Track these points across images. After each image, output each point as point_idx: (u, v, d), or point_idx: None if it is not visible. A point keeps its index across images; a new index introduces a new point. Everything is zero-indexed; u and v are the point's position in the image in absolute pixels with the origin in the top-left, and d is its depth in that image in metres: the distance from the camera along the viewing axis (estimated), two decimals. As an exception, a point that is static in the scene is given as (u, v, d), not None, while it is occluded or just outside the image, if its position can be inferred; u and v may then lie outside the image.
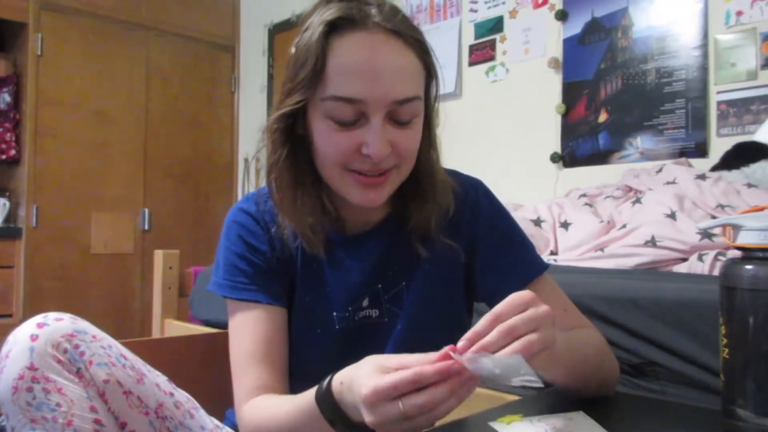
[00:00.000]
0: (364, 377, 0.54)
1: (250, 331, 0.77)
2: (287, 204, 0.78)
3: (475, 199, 0.85)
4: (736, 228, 0.64)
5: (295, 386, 0.77)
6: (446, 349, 0.53)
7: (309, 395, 0.63)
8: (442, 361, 0.52)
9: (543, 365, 0.58)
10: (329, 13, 0.70)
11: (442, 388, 0.52)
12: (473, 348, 0.53)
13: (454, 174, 0.86)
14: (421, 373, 0.51)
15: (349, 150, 0.71)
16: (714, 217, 1.51)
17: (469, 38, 2.85)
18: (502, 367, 0.51)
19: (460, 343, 0.54)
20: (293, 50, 0.74)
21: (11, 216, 3.34)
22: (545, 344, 0.54)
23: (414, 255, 0.82)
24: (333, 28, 0.70)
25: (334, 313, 0.80)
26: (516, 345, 0.53)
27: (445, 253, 0.82)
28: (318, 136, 0.73)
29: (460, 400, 0.53)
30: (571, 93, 2.50)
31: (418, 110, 0.74)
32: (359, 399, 0.53)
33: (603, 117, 2.40)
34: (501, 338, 0.53)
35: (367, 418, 0.53)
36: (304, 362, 0.80)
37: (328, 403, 0.59)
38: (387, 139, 0.70)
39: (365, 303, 0.81)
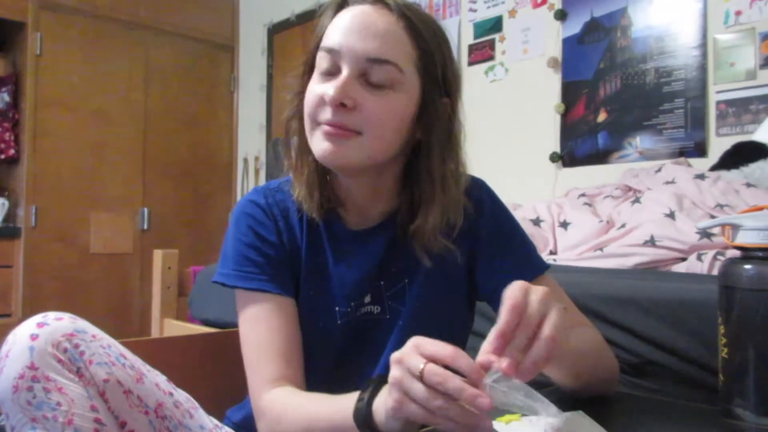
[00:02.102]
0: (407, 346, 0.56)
1: (263, 322, 0.77)
2: (299, 167, 0.81)
3: (477, 198, 0.85)
4: (735, 227, 0.65)
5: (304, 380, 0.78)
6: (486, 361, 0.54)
7: (341, 401, 0.63)
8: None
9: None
10: None
11: (461, 383, 0.52)
12: (504, 367, 0.53)
13: None
14: (458, 352, 0.53)
15: (318, 99, 0.74)
16: (713, 217, 1.51)
17: (468, 38, 2.85)
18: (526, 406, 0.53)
19: (490, 346, 0.54)
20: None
21: (10, 216, 3.34)
22: (560, 323, 0.55)
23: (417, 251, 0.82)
24: (342, 5, 0.77)
25: (337, 308, 0.81)
26: (541, 350, 0.53)
27: (448, 252, 0.82)
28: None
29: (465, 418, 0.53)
30: (570, 93, 2.50)
31: (394, 79, 0.74)
32: (394, 357, 0.55)
33: (602, 117, 2.41)
34: (525, 339, 0.54)
35: (392, 373, 0.55)
36: (307, 356, 0.80)
37: (363, 414, 0.60)
38: (350, 94, 0.72)
39: (367, 299, 0.82)
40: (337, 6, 0.77)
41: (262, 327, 0.77)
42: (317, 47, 0.77)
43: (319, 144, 0.74)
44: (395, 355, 0.56)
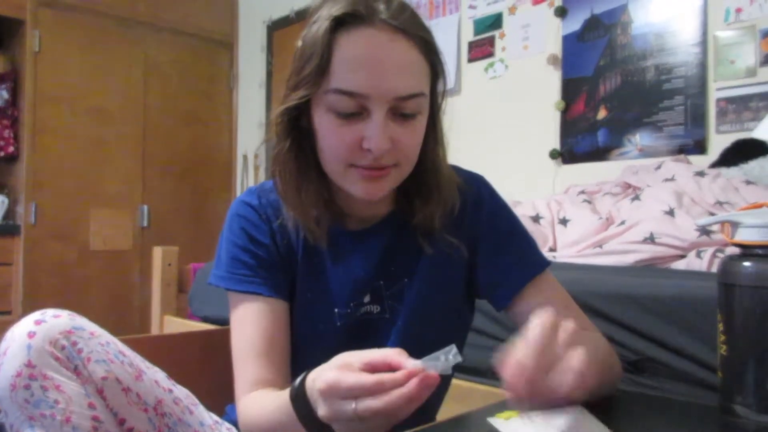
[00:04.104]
0: (326, 371, 0.54)
1: (251, 325, 0.77)
2: (291, 195, 0.78)
3: (477, 195, 0.85)
4: (735, 225, 0.64)
5: (291, 382, 0.77)
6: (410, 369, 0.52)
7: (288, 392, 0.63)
8: (404, 371, 0.51)
9: None
10: (337, 8, 0.70)
11: (400, 394, 0.50)
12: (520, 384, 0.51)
13: (456, 169, 0.85)
14: (381, 382, 0.51)
15: (351, 144, 0.71)
16: (712, 214, 1.51)
17: (468, 34, 2.85)
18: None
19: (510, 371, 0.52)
20: (300, 43, 0.74)
21: (10, 213, 3.34)
22: (588, 358, 0.53)
23: (416, 251, 0.82)
24: (340, 23, 0.70)
25: (336, 310, 0.80)
26: (569, 377, 0.52)
27: (448, 249, 0.82)
28: (321, 129, 0.73)
29: (420, 401, 0.52)
30: (570, 90, 2.50)
31: (422, 107, 0.73)
32: (317, 392, 0.55)
33: (602, 114, 2.40)
34: (545, 366, 0.52)
35: (321, 411, 0.55)
36: (306, 358, 0.80)
37: (300, 399, 0.59)
38: (388, 135, 0.70)
39: (366, 299, 0.81)
40: (336, 21, 0.70)
41: (249, 329, 0.77)
42: (321, 65, 0.70)
43: (356, 185, 0.73)
44: (323, 413, 0.54)
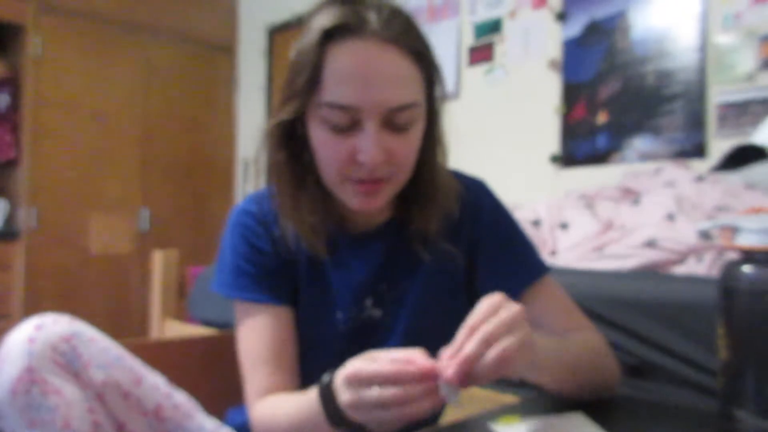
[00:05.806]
0: (352, 363, 0.58)
1: (257, 332, 0.77)
2: (288, 207, 0.78)
3: (476, 201, 0.85)
4: (735, 230, 0.64)
5: (299, 387, 0.78)
6: (431, 362, 0.56)
7: (312, 392, 0.64)
8: (424, 365, 0.55)
9: (527, 367, 0.60)
10: (327, 19, 0.70)
11: (419, 387, 0.54)
12: (455, 362, 0.54)
13: (457, 175, 0.85)
14: (403, 372, 0.55)
15: (345, 157, 0.70)
16: (713, 219, 1.51)
17: (468, 39, 2.85)
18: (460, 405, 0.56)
19: (445, 363, 0.55)
20: (293, 54, 0.74)
21: (10, 218, 3.34)
22: (521, 344, 0.56)
23: (417, 255, 0.82)
24: (329, 35, 0.69)
25: (339, 314, 0.81)
26: (493, 354, 0.54)
27: (446, 255, 0.82)
28: (316, 141, 0.73)
29: (433, 404, 0.55)
30: (570, 94, 2.50)
31: (415, 116, 0.72)
32: (341, 379, 0.57)
33: (602, 118, 2.41)
34: (479, 348, 0.55)
35: (344, 397, 0.57)
36: (308, 363, 0.80)
37: (328, 397, 0.60)
38: (382, 146, 0.69)
39: (368, 303, 0.81)
40: (326, 33, 0.69)
41: (257, 337, 0.77)
42: (312, 78, 0.69)
43: (352, 198, 0.74)
44: (346, 400, 0.57)
